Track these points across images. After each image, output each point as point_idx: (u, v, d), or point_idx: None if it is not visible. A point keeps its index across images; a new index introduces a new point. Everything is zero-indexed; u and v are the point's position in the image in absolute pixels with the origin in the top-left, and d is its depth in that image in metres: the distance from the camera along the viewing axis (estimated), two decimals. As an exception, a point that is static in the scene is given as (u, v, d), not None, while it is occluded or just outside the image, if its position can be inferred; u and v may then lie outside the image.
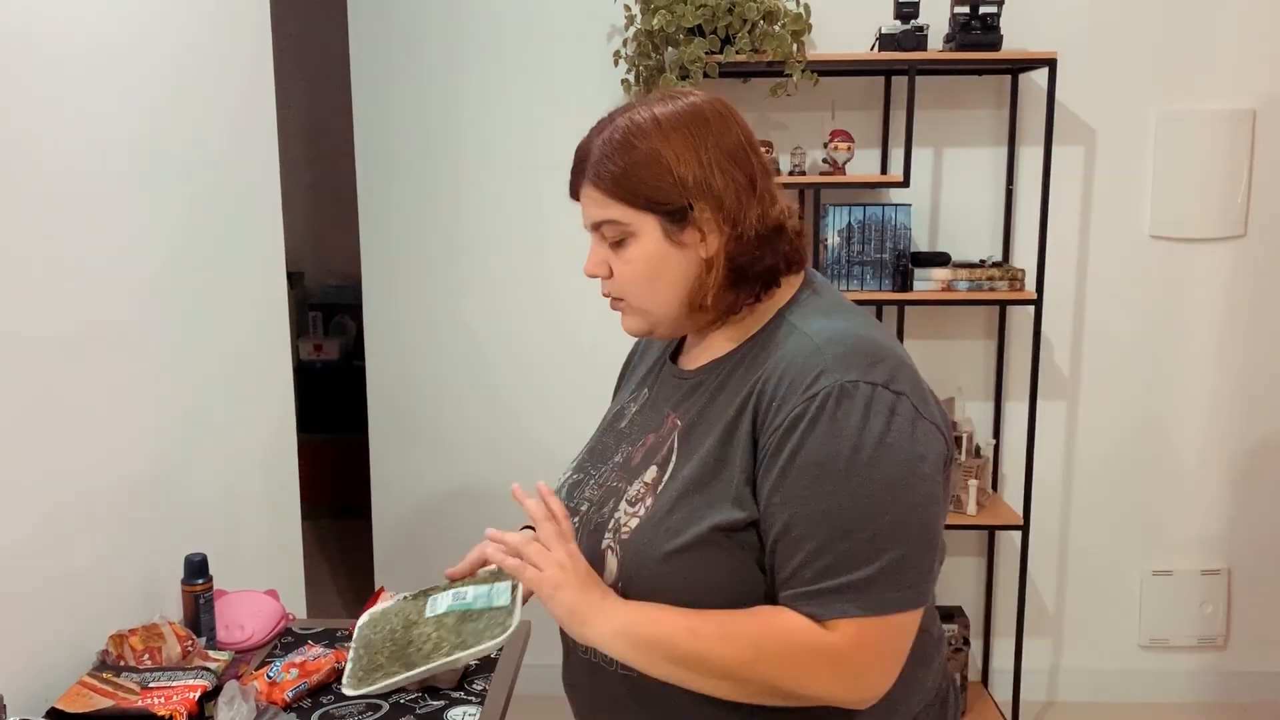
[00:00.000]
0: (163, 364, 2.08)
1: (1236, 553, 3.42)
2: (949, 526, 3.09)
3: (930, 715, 1.32)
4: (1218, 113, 3.20)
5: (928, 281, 3.08)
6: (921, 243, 3.30)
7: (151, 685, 1.66)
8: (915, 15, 2.98)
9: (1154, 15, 3.17)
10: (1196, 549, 3.42)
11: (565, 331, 3.35)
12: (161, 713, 1.58)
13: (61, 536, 1.75)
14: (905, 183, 3.00)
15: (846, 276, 3.12)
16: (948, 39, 3.05)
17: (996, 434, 3.38)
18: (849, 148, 3.06)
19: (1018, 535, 3.24)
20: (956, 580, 3.46)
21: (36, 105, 1.69)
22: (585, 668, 1.35)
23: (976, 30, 2.96)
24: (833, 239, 3.11)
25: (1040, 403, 3.23)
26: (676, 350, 1.42)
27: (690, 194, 1.23)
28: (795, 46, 2.95)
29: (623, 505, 1.28)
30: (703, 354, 1.34)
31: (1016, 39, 3.10)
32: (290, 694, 1.71)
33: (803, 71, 2.94)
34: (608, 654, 1.23)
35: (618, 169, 1.23)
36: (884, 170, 3.26)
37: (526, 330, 3.38)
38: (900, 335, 3.31)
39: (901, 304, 3.21)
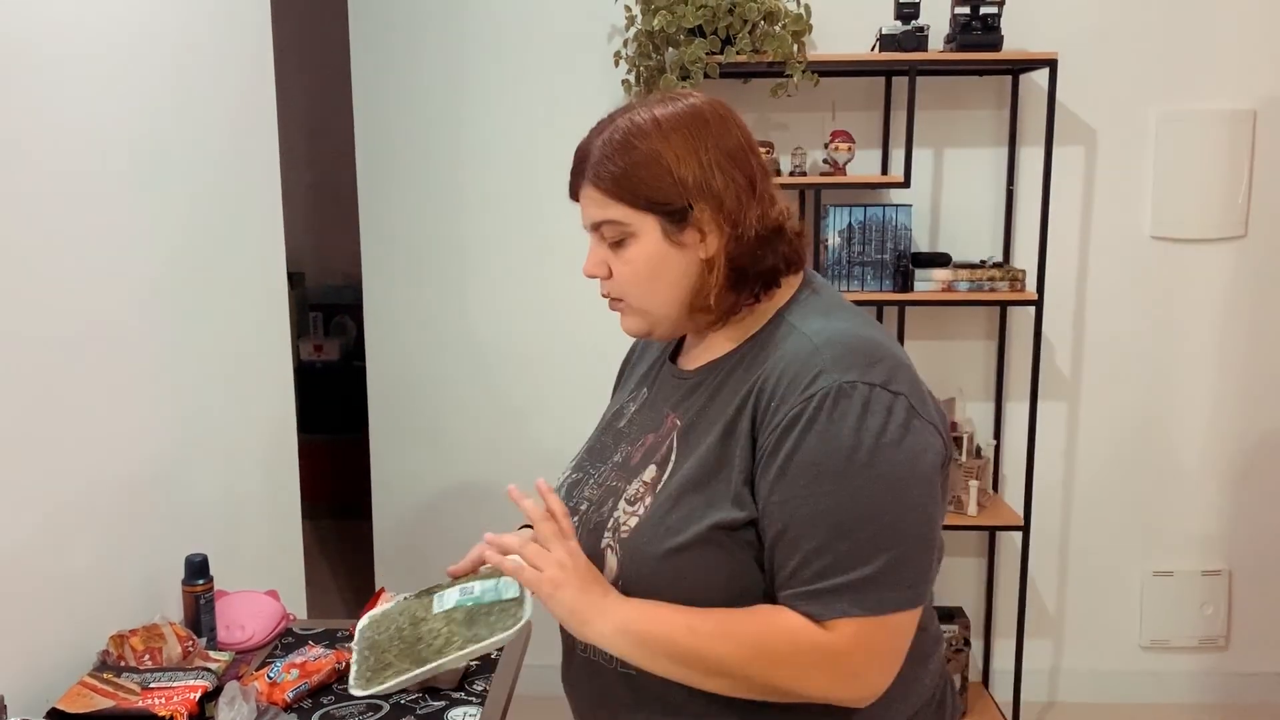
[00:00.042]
0: (163, 364, 2.08)
1: (1237, 553, 3.42)
2: (949, 527, 3.11)
3: (928, 714, 1.32)
4: (1218, 113, 3.20)
5: (928, 282, 3.08)
6: (922, 243, 3.30)
7: (152, 685, 1.66)
8: (916, 16, 2.98)
9: (1154, 16, 3.17)
10: (1197, 550, 3.42)
11: (566, 331, 3.35)
12: (162, 713, 1.58)
13: (62, 537, 1.75)
14: (906, 183, 3.00)
15: (847, 277, 3.12)
16: (948, 39, 3.05)
17: (997, 435, 3.38)
18: (849, 148, 3.06)
19: (1018, 536, 3.24)
20: (957, 581, 3.46)
21: (36, 105, 1.69)
22: (584, 666, 1.35)
23: (977, 31, 2.96)
24: (833, 239, 3.11)
25: (1041, 403, 3.23)
26: (676, 350, 1.42)
27: (690, 194, 1.23)
28: (796, 47, 2.95)
29: (622, 504, 1.28)
30: (702, 354, 1.34)
31: (1017, 39, 3.10)
32: (291, 694, 1.71)
33: (803, 72, 2.94)
34: (608, 651, 1.23)
35: (618, 169, 1.24)
36: (884, 171, 3.26)
37: (527, 330, 3.38)
38: (901, 336, 3.31)
39: (902, 304, 3.21)
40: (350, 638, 1.94)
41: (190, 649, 1.81)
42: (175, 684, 1.66)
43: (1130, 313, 3.31)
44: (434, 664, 1.24)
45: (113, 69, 1.90)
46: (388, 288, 3.41)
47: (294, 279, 5.27)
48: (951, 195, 3.29)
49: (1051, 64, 2.97)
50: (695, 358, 1.35)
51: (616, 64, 3.09)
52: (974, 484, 3.12)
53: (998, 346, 3.35)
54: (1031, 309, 3.15)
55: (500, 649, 1.79)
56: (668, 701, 1.26)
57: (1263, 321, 3.30)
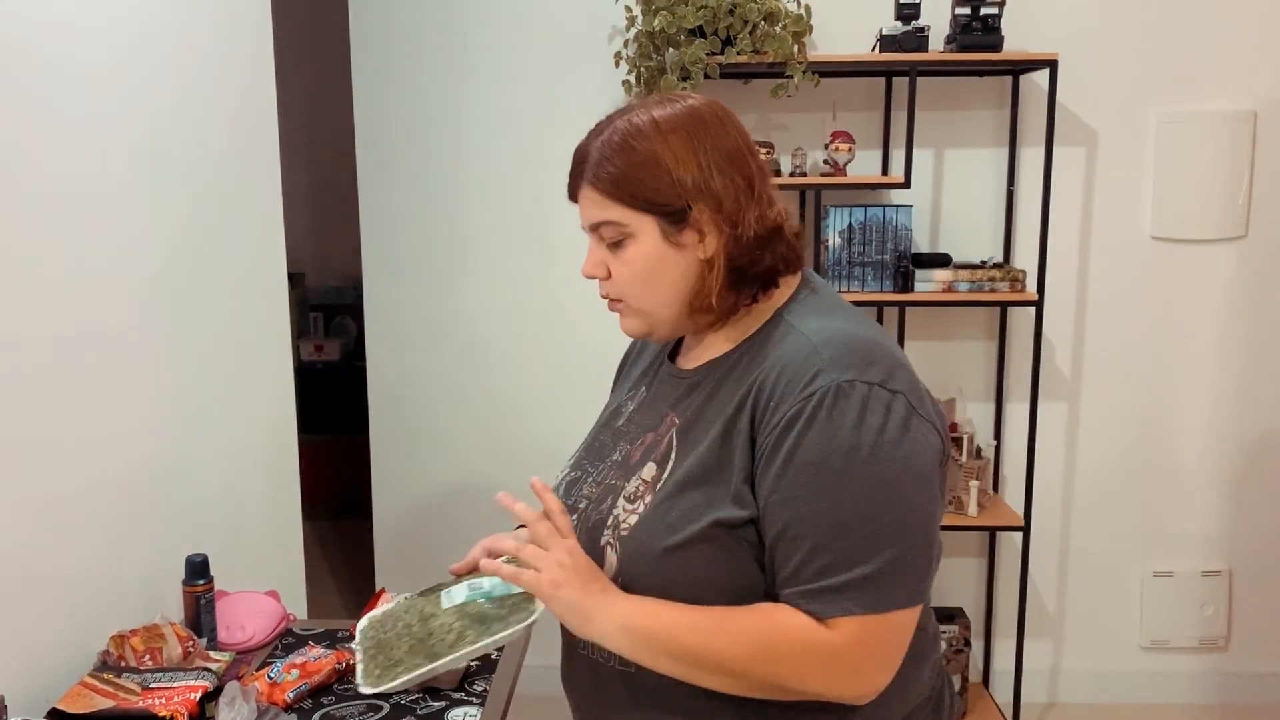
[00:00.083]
0: (163, 365, 2.08)
1: (1237, 554, 3.42)
2: (950, 528, 3.12)
3: (925, 712, 1.33)
4: (1219, 114, 3.20)
5: (929, 283, 3.08)
6: (922, 244, 3.30)
7: (152, 686, 1.66)
8: (916, 16, 2.98)
9: (1155, 16, 3.17)
10: (1197, 550, 3.42)
11: (566, 332, 3.35)
12: (162, 713, 1.58)
13: (62, 537, 1.75)
14: (906, 184, 3.00)
15: (847, 277, 3.12)
16: (949, 40, 3.05)
17: (997, 435, 3.38)
18: (850, 149, 3.06)
19: (1019, 536, 3.24)
20: (957, 581, 3.46)
21: (36, 105, 1.69)
22: (583, 664, 1.35)
23: (977, 31, 2.96)
24: (834, 240, 3.11)
25: (1041, 404, 3.23)
26: (674, 349, 1.43)
27: (689, 195, 1.24)
28: (796, 48, 2.95)
29: (621, 502, 1.28)
30: (701, 353, 1.34)
31: (1017, 40, 3.10)
32: (291, 694, 1.71)
33: (804, 73, 2.94)
34: (610, 649, 1.22)
35: (616, 170, 1.24)
36: (885, 171, 3.26)
37: (527, 330, 3.38)
38: (901, 336, 3.31)
39: (902, 305, 3.21)
40: (351, 638, 1.94)
41: (191, 649, 1.81)
42: (175, 684, 1.66)
43: (1131, 313, 3.31)
44: (449, 658, 1.23)
45: (113, 69, 1.91)
46: (388, 288, 3.41)
47: (294, 279, 5.27)
48: (952, 196, 3.29)
49: (1052, 64, 2.97)
50: (694, 357, 1.35)
51: (617, 65, 3.09)
52: (974, 484, 3.12)
53: (998, 347, 3.35)
54: (1032, 309, 3.15)
55: (501, 648, 1.79)
56: (665, 699, 1.27)
57: (1263, 322, 3.30)
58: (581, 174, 1.28)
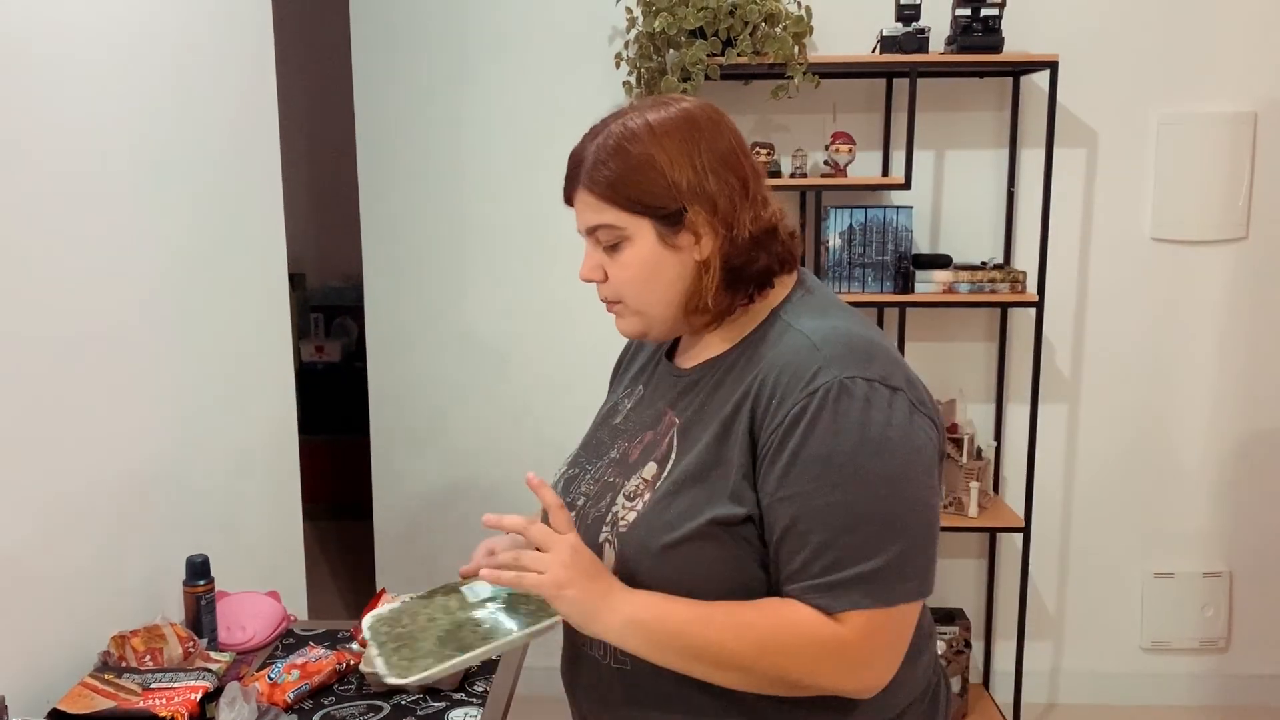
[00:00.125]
0: (164, 365, 2.08)
1: (1238, 555, 3.42)
2: (950, 529, 3.12)
3: (921, 707, 1.34)
4: (1219, 115, 3.20)
5: (929, 284, 3.08)
6: (923, 245, 3.30)
7: (153, 686, 1.66)
8: (916, 17, 2.98)
9: (1155, 18, 3.17)
10: (1198, 551, 3.42)
11: (566, 332, 3.35)
12: (163, 714, 1.58)
13: (63, 537, 1.75)
14: (906, 185, 3.00)
15: (848, 278, 3.12)
16: (949, 41, 3.05)
17: (998, 436, 3.38)
18: (850, 150, 3.06)
19: (1019, 537, 3.24)
20: (958, 582, 3.46)
21: (37, 105, 1.69)
22: (582, 662, 1.36)
23: (978, 32, 2.96)
24: (834, 241, 3.12)
25: (1041, 405, 3.22)
26: (671, 348, 1.44)
27: (684, 198, 1.25)
28: (796, 49, 2.95)
29: (620, 499, 1.29)
30: (699, 353, 1.35)
31: (1018, 41, 3.11)
32: (292, 695, 1.71)
33: (804, 74, 2.94)
34: (617, 646, 1.22)
35: (612, 174, 1.25)
36: (885, 172, 3.26)
37: (528, 331, 3.38)
38: (901, 337, 3.31)
39: (903, 306, 3.21)
40: (351, 639, 1.94)
41: (191, 650, 1.81)
42: (176, 685, 1.66)
43: (1131, 314, 3.31)
44: (481, 649, 1.23)
45: (113, 69, 1.91)
46: (389, 289, 3.41)
47: (295, 280, 5.27)
48: (952, 197, 3.29)
49: (1052, 66, 2.97)
50: (692, 356, 1.36)
51: (617, 66, 3.09)
52: (974, 485, 3.12)
53: (998, 348, 3.35)
54: (1032, 310, 3.15)
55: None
56: (662, 697, 1.28)
57: (1263, 323, 3.30)
58: (577, 178, 1.29)
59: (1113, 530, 3.42)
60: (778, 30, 2.95)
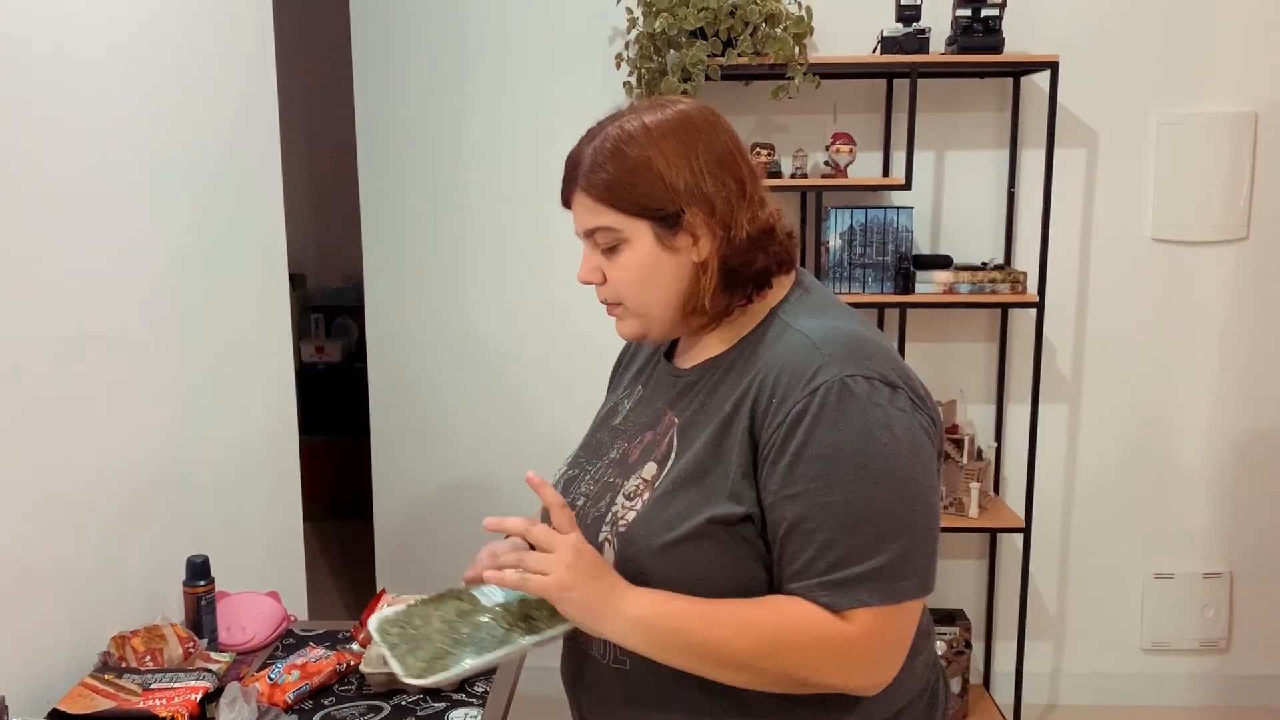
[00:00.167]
0: (164, 366, 2.08)
1: (1238, 556, 3.41)
2: (951, 529, 3.12)
3: (920, 706, 1.34)
4: (1220, 115, 3.20)
5: (929, 284, 3.08)
6: (923, 245, 3.29)
7: (153, 686, 1.66)
8: (917, 18, 2.98)
9: (1156, 18, 3.17)
10: (1198, 552, 3.42)
11: (567, 332, 3.35)
12: (163, 714, 1.58)
13: (63, 537, 1.75)
14: (907, 185, 3.00)
15: (848, 279, 3.12)
16: (949, 42, 3.05)
17: (998, 437, 3.38)
18: (851, 150, 3.06)
19: (1019, 538, 3.24)
20: (958, 583, 3.46)
21: (37, 105, 1.69)
22: (582, 662, 1.37)
23: (978, 33, 2.96)
24: (834, 241, 3.11)
25: (1042, 405, 3.22)
26: (670, 349, 1.44)
27: (682, 199, 1.25)
28: (797, 49, 2.95)
29: (620, 499, 1.29)
30: (698, 353, 1.36)
31: (1018, 41, 3.10)
32: (292, 695, 1.71)
33: (804, 74, 2.94)
34: (623, 645, 1.22)
35: (609, 176, 1.25)
36: (886, 173, 3.26)
37: (528, 331, 3.38)
38: (902, 338, 3.31)
39: (903, 307, 3.21)
40: (351, 639, 1.94)
41: (191, 650, 1.81)
42: (176, 685, 1.66)
43: (1131, 315, 3.31)
44: (501, 651, 1.23)
45: (113, 69, 1.91)
46: (389, 289, 3.41)
47: (295, 280, 5.27)
48: (953, 197, 3.29)
49: (1053, 66, 2.97)
50: (691, 357, 1.37)
51: (618, 66, 3.09)
52: (975, 486, 3.12)
53: (999, 348, 3.34)
54: (1033, 311, 3.15)
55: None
56: (661, 696, 1.28)
57: (1264, 324, 3.30)
58: (574, 181, 1.29)
59: (1113, 531, 3.42)
60: (778, 31, 2.95)
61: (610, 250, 1.29)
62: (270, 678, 1.74)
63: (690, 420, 1.30)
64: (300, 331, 5.39)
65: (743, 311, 1.32)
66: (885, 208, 3.13)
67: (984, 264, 3.18)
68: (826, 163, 3.12)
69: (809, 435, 1.17)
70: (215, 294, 2.28)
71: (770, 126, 3.26)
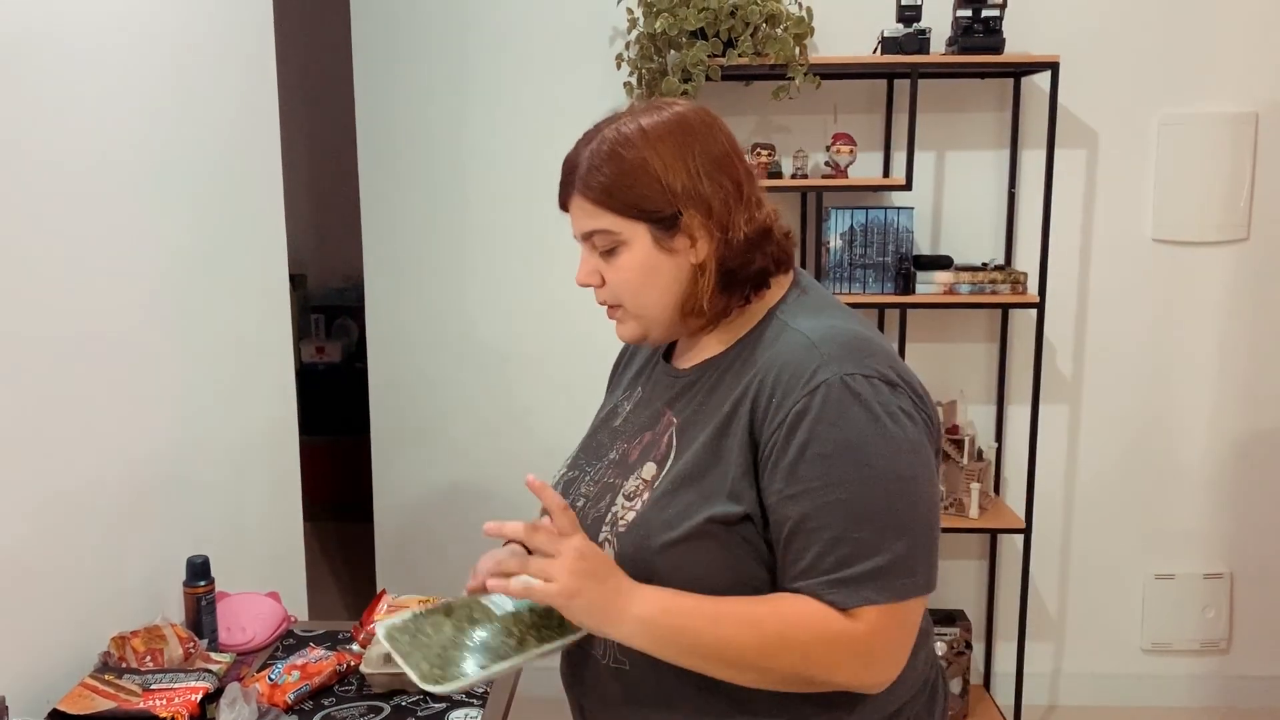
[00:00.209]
0: (164, 366, 2.08)
1: (1239, 556, 3.41)
2: (951, 530, 3.12)
3: (920, 703, 1.34)
4: (1220, 116, 3.20)
5: (930, 285, 3.07)
6: (923, 246, 3.29)
7: (153, 687, 1.66)
8: (917, 18, 2.98)
9: (1157, 18, 3.17)
10: (1199, 553, 3.42)
11: (567, 332, 3.35)
12: (163, 714, 1.58)
13: (63, 537, 1.75)
14: (907, 186, 3.00)
15: (849, 279, 3.12)
16: (950, 42, 3.05)
17: (998, 437, 3.38)
18: (851, 151, 3.06)
19: (1020, 539, 3.24)
20: (958, 583, 3.46)
21: (37, 106, 1.69)
22: (582, 662, 1.36)
23: (979, 33, 2.96)
24: (835, 242, 3.11)
25: (1042, 406, 3.22)
26: (669, 349, 1.45)
27: (679, 201, 1.25)
28: (797, 50, 2.95)
29: (620, 499, 1.30)
30: (696, 354, 1.36)
31: (1019, 42, 3.10)
32: (292, 696, 1.71)
33: (805, 74, 2.94)
34: (630, 646, 1.22)
35: (607, 179, 1.26)
36: (886, 173, 3.26)
37: (528, 331, 3.38)
38: (902, 338, 3.31)
39: (904, 307, 3.21)
40: (351, 639, 1.94)
41: (191, 650, 1.81)
42: (176, 685, 1.66)
43: (1132, 315, 3.31)
44: (518, 658, 1.24)
45: (113, 69, 1.91)
46: (389, 289, 3.41)
47: (296, 281, 5.27)
48: (953, 198, 3.29)
49: (1053, 67, 2.97)
50: (689, 357, 1.37)
51: (618, 66, 3.09)
52: (975, 486, 3.12)
53: (999, 349, 3.34)
54: (1033, 311, 3.15)
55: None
56: (660, 696, 1.28)
57: (1264, 324, 3.30)
58: (571, 184, 1.29)
59: (1113, 531, 3.42)
60: (779, 31, 2.95)
61: (608, 253, 1.29)
62: (270, 678, 1.74)
63: (689, 420, 1.30)
64: (300, 332, 5.39)
65: (741, 312, 1.32)
66: (886, 208, 3.13)
67: (984, 264, 3.17)
68: (827, 163, 3.12)
69: (811, 434, 1.17)
70: (215, 294, 2.28)
71: (771, 127, 3.26)
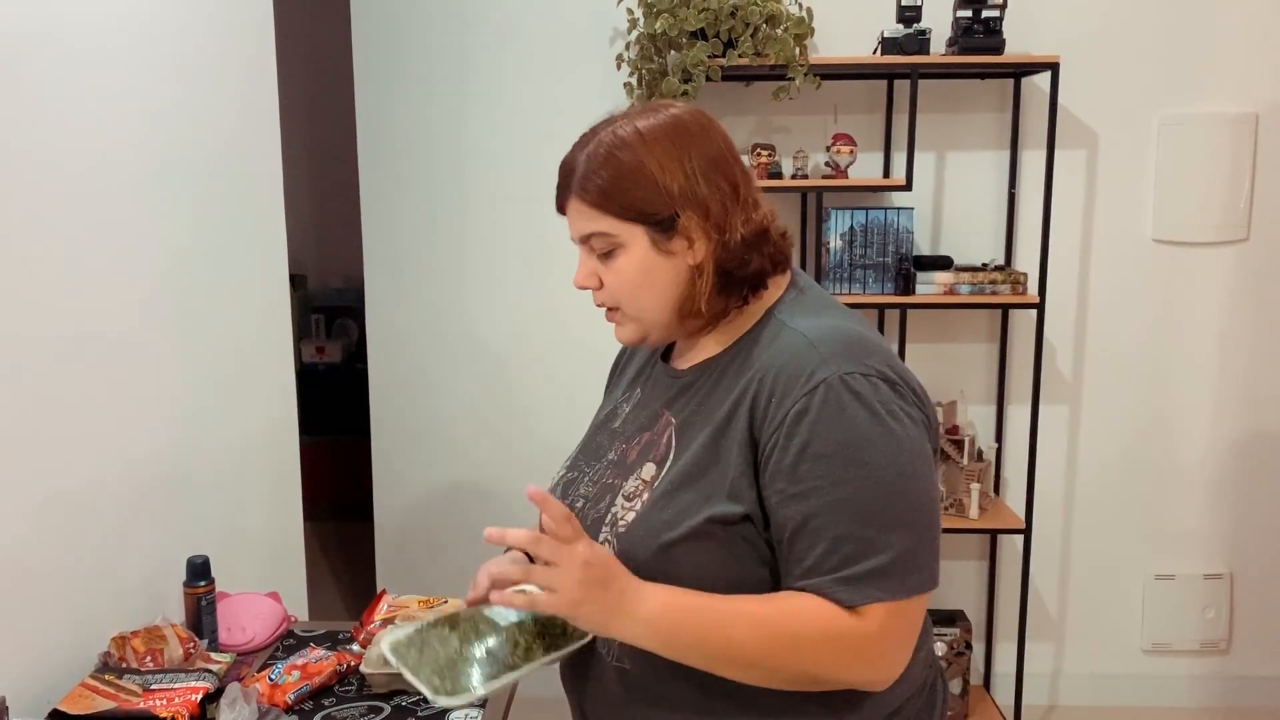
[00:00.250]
0: (164, 366, 2.08)
1: (1239, 557, 3.41)
2: (951, 530, 3.12)
3: (919, 702, 1.35)
4: (1220, 116, 3.20)
5: (930, 285, 3.07)
6: (924, 246, 3.29)
7: (153, 687, 1.66)
8: (918, 19, 2.98)
9: (1157, 19, 3.17)
10: (1199, 553, 3.42)
11: (567, 333, 3.35)
12: (163, 714, 1.58)
13: (63, 537, 1.75)
14: (908, 186, 3.00)
15: (849, 280, 3.12)
16: (950, 43, 3.05)
17: (999, 438, 3.38)
18: (851, 151, 3.06)
19: (1020, 539, 3.24)
20: (959, 584, 3.46)
21: (37, 106, 1.69)
22: (584, 661, 1.36)
23: (979, 34, 2.96)
24: (835, 242, 3.11)
25: (1042, 406, 3.22)
26: (667, 350, 1.45)
27: (677, 203, 1.26)
28: (798, 50, 2.95)
29: (620, 500, 1.30)
30: (695, 354, 1.36)
31: (1019, 42, 3.10)
32: (292, 696, 1.71)
33: (805, 75, 2.94)
34: (637, 645, 1.21)
35: (604, 181, 1.26)
36: (886, 174, 3.26)
37: (528, 332, 3.38)
38: (902, 339, 3.31)
39: (904, 307, 3.21)
40: (351, 639, 1.94)
41: (192, 650, 1.81)
42: (176, 685, 1.66)
43: (1132, 316, 3.31)
44: (525, 668, 1.24)
45: (113, 69, 1.91)
46: (390, 290, 3.41)
47: (296, 281, 5.27)
48: (953, 198, 3.29)
49: (1053, 67, 2.97)
50: (688, 358, 1.37)
51: (619, 67, 3.09)
52: (975, 487, 3.12)
53: (999, 349, 3.34)
54: (1033, 312, 3.15)
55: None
56: (663, 695, 1.28)
57: (1264, 325, 3.30)
58: (569, 187, 1.30)
59: (1114, 532, 3.42)
60: (779, 32, 2.95)
61: (606, 255, 1.29)
62: (270, 678, 1.74)
63: (688, 421, 1.31)
64: (301, 332, 5.39)
65: (739, 312, 1.32)
66: (886, 209, 3.13)
67: (984, 265, 3.18)
68: (827, 163, 3.12)
69: (811, 434, 1.17)
70: (216, 294, 2.28)
71: (771, 127, 3.26)
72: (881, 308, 3.24)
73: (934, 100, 3.20)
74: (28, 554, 1.66)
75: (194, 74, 2.20)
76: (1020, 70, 3.11)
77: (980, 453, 3.24)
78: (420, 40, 3.27)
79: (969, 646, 3.29)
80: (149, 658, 1.76)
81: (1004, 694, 3.39)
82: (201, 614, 1.91)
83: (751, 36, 2.92)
